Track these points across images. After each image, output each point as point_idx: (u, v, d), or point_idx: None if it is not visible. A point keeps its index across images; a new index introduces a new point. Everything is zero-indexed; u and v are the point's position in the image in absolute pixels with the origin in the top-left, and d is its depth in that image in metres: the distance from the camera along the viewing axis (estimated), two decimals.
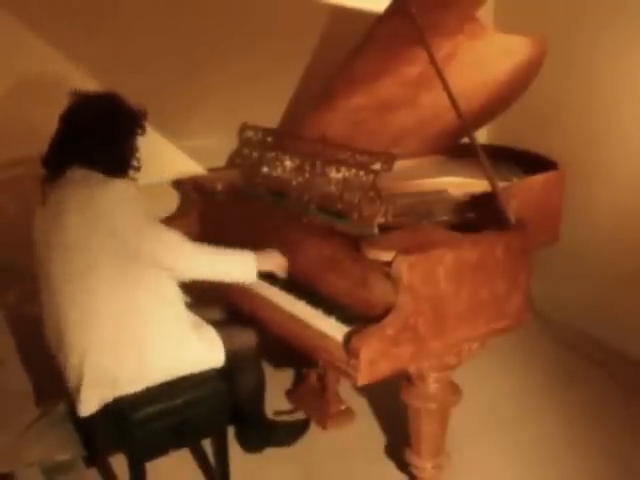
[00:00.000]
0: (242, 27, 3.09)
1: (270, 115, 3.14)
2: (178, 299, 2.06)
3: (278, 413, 2.65)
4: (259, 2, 3.12)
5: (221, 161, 2.67)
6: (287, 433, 2.52)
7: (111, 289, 1.89)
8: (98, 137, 1.96)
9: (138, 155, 2.09)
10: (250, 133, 2.58)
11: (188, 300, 2.14)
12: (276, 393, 2.74)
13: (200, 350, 2.05)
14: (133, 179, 2.06)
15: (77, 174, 1.94)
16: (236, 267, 2.09)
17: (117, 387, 1.94)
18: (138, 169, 2.09)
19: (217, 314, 2.35)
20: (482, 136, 3.48)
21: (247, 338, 2.22)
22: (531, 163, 2.71)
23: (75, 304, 1.89)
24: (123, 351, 1.92)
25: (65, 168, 1.96)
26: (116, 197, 1.87)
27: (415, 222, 2.17)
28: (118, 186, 1.90)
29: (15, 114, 2.71)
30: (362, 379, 1.77)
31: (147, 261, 1.93)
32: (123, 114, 2.02)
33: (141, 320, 1.94)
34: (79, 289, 1.89)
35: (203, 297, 2.21)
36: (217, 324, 2.17)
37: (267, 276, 2.22)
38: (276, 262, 2.19)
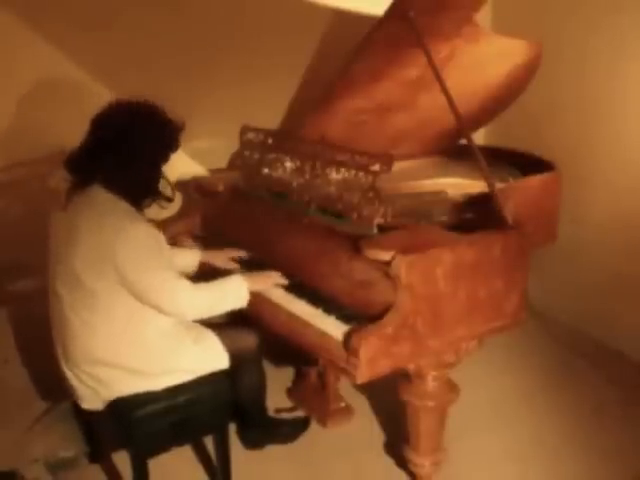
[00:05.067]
0: (243, 29, 3.11)
1: (271, 116, 3.16)
2: None
3: (279, 411, 2.67)
4: (260, 4, 3.15)
5: (222, 162, 2.69)
6: (288, 431, 2.54)
7: (110, 305, 1.90)
8: (125, 144, 1.91)
9: (163, 180, 2.03)
10: (251, 135, 2.60)
11: None
12: (276, 391, 2.75)
13: (202, 359, 2.07)
14: (162, 208, 2.03)
15: (96, 195, 1.91)
16: (231, 300, 2.06)
17: (118, 394, 1.98)
18: (170, 199, 2.04)
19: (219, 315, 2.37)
20: (480, 137, 3.50)
21: (248, 339, 2.24)
22: (529, 164, 2.73)
23: (78, 314, 1.91)
24: (122, 365, 1.94)
25: (89, 179, 1.93)
26: (124, 237, 1.84)
27: (414, 222, 2.19)
28: (129, 225, 1.86)
29: (17, 116, 2.73)
30: (361, 377, 1.80)
31: (149, 304, 1.92)
32: (161, 127, 1.98)
33: (139, 334, 1.95)
34: (80, 303, 1.90)
35: None
36: (218, 325, 2.20)
37: None
38: (269, 281, 2.17)
